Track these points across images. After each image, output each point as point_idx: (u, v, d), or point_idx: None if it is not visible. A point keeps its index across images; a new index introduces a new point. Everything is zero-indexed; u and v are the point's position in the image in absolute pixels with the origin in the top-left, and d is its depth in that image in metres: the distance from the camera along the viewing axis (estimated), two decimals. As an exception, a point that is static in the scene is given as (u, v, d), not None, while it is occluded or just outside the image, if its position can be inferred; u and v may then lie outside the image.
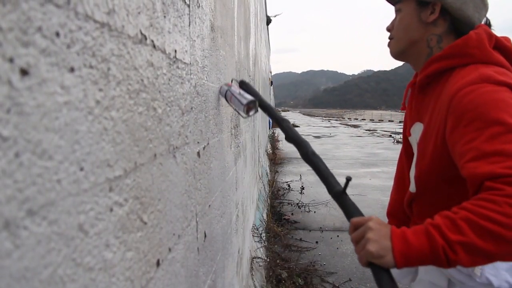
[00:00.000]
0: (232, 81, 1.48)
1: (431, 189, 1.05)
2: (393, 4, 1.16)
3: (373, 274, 0.84)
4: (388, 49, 1.17)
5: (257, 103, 1.29)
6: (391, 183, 1.54)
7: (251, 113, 1.28)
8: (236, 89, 1.34)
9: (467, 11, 1.01)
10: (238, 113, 1.32)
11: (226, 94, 1.34)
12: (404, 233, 0.80)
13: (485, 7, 1.04)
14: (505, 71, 0.91)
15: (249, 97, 1.27)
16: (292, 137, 1.17)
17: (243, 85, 1.45)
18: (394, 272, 1.02)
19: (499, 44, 0.97)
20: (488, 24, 1.06)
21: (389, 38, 1.16)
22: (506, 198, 0.71)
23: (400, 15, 1.11)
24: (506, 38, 1.01)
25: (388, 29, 1.17)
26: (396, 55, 1.15)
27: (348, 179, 0.92)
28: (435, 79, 1.05)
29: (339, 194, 0.97)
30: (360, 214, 0.90)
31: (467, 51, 0.96)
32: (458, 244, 0.73)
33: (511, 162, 0.74)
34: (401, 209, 1.24)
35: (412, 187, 1.13)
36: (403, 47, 1.12)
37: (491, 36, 0.97)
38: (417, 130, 1.11)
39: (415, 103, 1.14)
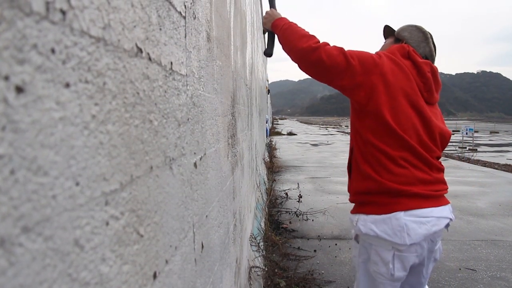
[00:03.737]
0: None
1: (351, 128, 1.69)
2: (385, 38, 1.91)
3: (267, 32, 1.87)
4: None
5: None
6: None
7: None
8: None
9: (419, 50, 1.69)
10: None
11: None
12: (285, 18, 1.76)
13: (431, 53, 1.72)
14: (390, 56, 1.59)
15: None
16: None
17: None
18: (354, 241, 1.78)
19: (411, 55, 1.62)
20: (425, 55, 1.71)
21: None
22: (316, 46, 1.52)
23: (385, 44, 1.85)
24: (426, 61, 1.64)
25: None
26: None
27: None
28: None
29: (271, 3, 1.95)
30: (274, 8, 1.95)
31: (387, 49, 1.70)
32: (293, 25, 1.68)
33: (326, 44, 1.54)
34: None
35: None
36: None
37: (404, 48, 1.64)
38: None
39: None
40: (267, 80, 16.82)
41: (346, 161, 1.80)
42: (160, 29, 0.75)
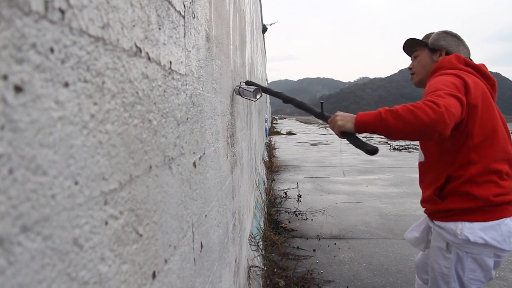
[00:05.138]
0: (240, 83, 2.08)
1: (430, 155, 1.68)
2: (410, 55, 1.86)
3: (346, 137, 1.50)
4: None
5: (260, 89, 1.92)
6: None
7: (258, 96, 1.90)
8: (245, 85, 2.00)
9: (459, 53, 1.67)
10: (250, 99, 1.99)
11: (239, 91, 1.97)
12: (364, 112, 1.43)
13: (469, 52, 1.73)
14: (462, 71, 1.56)
15: (253, 87, 1.92)
16: (286, 98, 1.82)
17: (249, 82, 2.11)
18: (410, 241, 1.87)
19: (468, 62, 1.63)
20: (467, 57, 1.71)
21: (411, 73, 1.85)
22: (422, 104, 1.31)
23: (418, 59, 1.80)
24: (480, 64, 1.65)
25: (410, 68, 1.86)
26: (417, 83, 1.82)
27: (322, 102, 1.69)
28: None
29: (319, 114, 1.67)
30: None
31: (440, 65, 1.66)
32: (390, 110, 1.35)
33: (435, 99, 1.32)
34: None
35: (421, 158, 1.76)
36: (422, 77, 1.78)
37: (460, 58, 1.64)
38: None
39: None
40: (267, 80, 16.82)
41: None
42: (159, 28, 0.75)
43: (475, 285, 1.55)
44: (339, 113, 1.49)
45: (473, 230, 1.48)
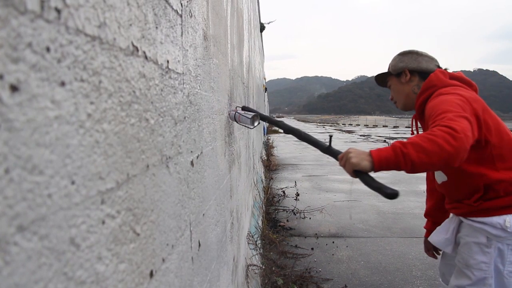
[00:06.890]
0: (236, 108, 2.00)
1: (452, 173, 1.68)
2: (385, 86, 1.95)
3: (360, 178, 1.31)
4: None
5: (258, 115, 1.86)
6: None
7: (255, 123, 1.83)
8: (241, 111, 1.89)
9: (422, 65, 1.77)
10: (247, 127, 1.87)
11: (235, 116, 1.87)
12: (376, 149, 1.32)
13: (433, 59, 1.80)
14: (456, 87, 1.60)
15: (251, 113, 1.83)
16: (288, 129, 1.82)
17: (246, 108, 2.08)
18: (437, 243, 1.89)
19: (452, 75, 1.69)
20: (440, 67, 1.77)
21: (394, 103, 1.93)
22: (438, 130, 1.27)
23: (392, 88, 1.89)
24: (459, 73, 1.73)
25: (391, 99, 1.93)
26: (403, 108, 1.88)
27: (331, 136, 1.55)
28: (424, 108, 1.69)
29: (326, 148, 1.57)
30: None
31: (431, 84, 1.67)
32: (409, 144, 1.25)
33: (449, 123, 1.28)
34: (436, 210, 2.01)
35: (443, 178, 1.75)
36: (403, 102, 1.85)
37: (445, 72, 1.69)
38: None
39: (421, 127, 1.84)
40: (264, 78, 16.82)
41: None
42: (156, 27, 0.75)
43: None
44: (352, 149, 1.36)
45: None
